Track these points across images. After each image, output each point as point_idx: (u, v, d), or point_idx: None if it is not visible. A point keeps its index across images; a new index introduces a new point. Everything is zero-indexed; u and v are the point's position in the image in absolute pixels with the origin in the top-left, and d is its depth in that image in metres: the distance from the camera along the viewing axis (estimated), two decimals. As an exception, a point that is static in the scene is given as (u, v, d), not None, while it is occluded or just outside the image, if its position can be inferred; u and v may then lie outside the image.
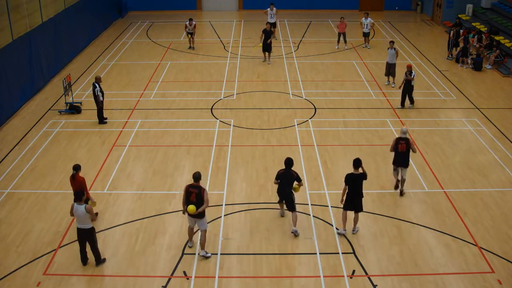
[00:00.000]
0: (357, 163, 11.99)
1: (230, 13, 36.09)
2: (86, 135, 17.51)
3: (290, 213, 12.48)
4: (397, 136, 14.28)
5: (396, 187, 14.01)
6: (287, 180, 12.36)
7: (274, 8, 27.99)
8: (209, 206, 11.91)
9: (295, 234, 12.33)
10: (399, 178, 13.77)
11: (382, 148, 16.42)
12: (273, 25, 27.48)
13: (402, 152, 13.53)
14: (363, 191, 12.18)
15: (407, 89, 19.11)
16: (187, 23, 26.61)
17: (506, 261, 11.49)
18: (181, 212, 11.77)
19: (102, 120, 18.24)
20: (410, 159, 13.82)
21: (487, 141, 16.99)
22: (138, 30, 31.43)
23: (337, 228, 12.48)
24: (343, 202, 12.25)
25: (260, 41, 24.45)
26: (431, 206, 13.48)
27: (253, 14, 35.13)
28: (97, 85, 17.79)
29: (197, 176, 11.49)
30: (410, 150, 13.55)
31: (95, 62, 25.22)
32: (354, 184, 12.00)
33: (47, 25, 22.69)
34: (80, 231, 11.10)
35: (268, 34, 24.02)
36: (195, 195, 11.30)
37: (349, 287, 10.75)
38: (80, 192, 10.98)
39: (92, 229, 11.17)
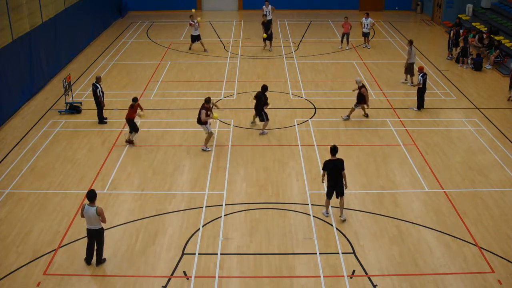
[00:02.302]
0: (334, 149, 12.51)
1: (230, 13, 36.10)
2: (86, 135, 17.51)
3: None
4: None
5: (346, 117, 18.39)
6: (258, 101, 17.25)
7: (270, 6, 28.04)
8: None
9: (262, 134, 17.35)
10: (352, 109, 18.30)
11: (382, 148, 16.43)
12: (269, 22, 27.51)
13: (361, 94, 18.00)
14: (363, 190, 12.22)
15: (417, 91, 19.33)
16: (190, 21, 25.93)
17: (506, 261, 11.50)
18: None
19: (102, 120, 18.25)
20: (410, 160, 13.79)
21: (487, 141, 16.99)
22: (138, 30, 31.43)
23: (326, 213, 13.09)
24: (326, 191, 12.85)
25: (263, 32, 26.28)
26: (431, 206, 13.48)
27: (253, 14, 35.10)
28: (98, 85, 17.81)
29: (208, 100, 16.20)
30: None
31: (95, 62, 25.22)
32: (334, 170, 12.44)
33: (47, 25, 22.70)
34: (89, 231, 11.15)
35: (267, 25, 25.89)
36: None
37: (349, 287, 10.76)
38: (93, 194, 11.02)
39: (101, 229, 11.22)
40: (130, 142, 16.72)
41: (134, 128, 16.75)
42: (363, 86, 18.19)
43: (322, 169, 12.65)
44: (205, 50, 26.53)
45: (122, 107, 19.54)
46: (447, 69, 24.10)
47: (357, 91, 18.26)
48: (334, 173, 12.47)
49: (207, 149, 16.27)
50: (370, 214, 13.14)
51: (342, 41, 27.07)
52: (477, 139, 17.18)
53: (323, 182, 13.06)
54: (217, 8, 36.81)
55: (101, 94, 17.84)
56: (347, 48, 26.89)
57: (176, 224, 12.81)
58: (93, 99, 18.17)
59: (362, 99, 18.20)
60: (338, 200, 12.80)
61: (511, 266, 11.35)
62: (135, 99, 16.69)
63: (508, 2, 28.65)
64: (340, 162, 12.52)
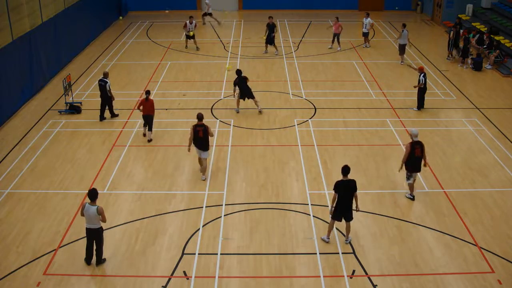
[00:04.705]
0: (346, 170, 11.55)
1: (230, 13, 36.08)
2: (86, 135, 17.52)
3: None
4: (411, 140, 13.43)
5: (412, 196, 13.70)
6: (244, 83, 18.44)
7: (207, 0, 31.48)
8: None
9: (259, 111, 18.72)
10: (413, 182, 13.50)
11: (382, 148, 16.43)
12: (210, 15, 31.45)
13: (418, 156, 13.24)
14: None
15: (418, 91, 19.18)
16: (187, 21, 26.19)
17: (506, 261, 11.50)
18: (187, 148, 14.59)
19: (114, 114, 18.72)
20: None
21: (487, 141, 16.99)
22: (138, 30, 31.43)
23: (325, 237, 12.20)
24: (333, 214, 11.75)
25: (264, 35, 26.19)
26: (431, 206, 13.48)
27: (253, 14, 35.15)
28: (108, 81, 18.13)
29: (200, 116, 14.39)
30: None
31: (95, 62, 25.22)
32: (346, 191, 11.56)
33: (47, 25, 22.69)
34: (88, 231, 11.16)
35: (271, 28, 25.51)
36: (202, 132, 14.19)
37: (349, 287, 10.76)
38: (94, 192, 11.02)
39: (101, 228, 11.23)
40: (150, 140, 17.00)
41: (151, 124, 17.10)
42: (420, 144, 13.36)
43: (334, 191, 11.51)
44: (197, 48, 26.99)
45: (122, 107, 19.53)
46: (447, 69, 24.10)
47: (408, 148, 13.28)
48: (346, 195, 11.52)
49: (203, 178, 14.73)
50: (370, 214, 13.14)
51: (332, 42, 27.00)
52: (477, 139, 17.18)
53: (332, 207, 11.66)
54: (217, 8, 36.77)
55: (110, 88, 18.23)
56: (338, 49, 26.73)
57: (176, 224, 12.81)
58: (100, 95, 18.31)
59: (417, 162, 13.38)
60: (345, 224, 11.97)
61: (511, 266, 11.36)
62: (148, 92, 16.90)
63: (508, 2, 28.65)
64: (353, 183, 11.50)
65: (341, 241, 12.08)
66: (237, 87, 18.72)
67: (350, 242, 12.04)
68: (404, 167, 13.43)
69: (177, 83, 22.36)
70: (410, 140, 13.36)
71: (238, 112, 18.88)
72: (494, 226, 12.70)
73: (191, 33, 26.36)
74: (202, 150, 14.38)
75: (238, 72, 18.70)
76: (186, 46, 27.19)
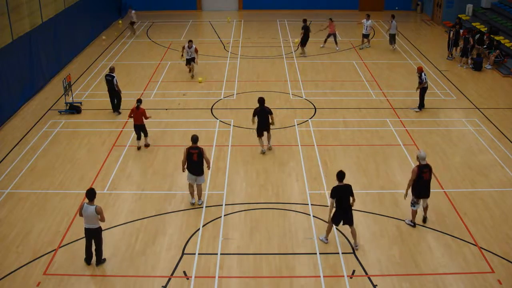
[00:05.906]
0: (342, 175, 11.49)
1: (230, 13, 36.09)
2: (86, 135, 17.51)
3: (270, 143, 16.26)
4: (418, 163, 12.19)
5: (420, 220, 12.73)
6: (264, 115, 15.55)
7: (133, 11, 29.89)
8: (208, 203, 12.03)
9: (268, 148, 16.14)
10: (423, 207, 12.62)
11: (382, 148, 16.43)
12: (132, 24, 30.02)
13: (427, 180, 12.18)
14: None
15: (420, 91, 19.12)
16: (186, 45, 22.24)
17: (506, 261, 11.49)
18: (181, 170, 13.39)
19: (118, 109, 18.90)
20: (410, 160, 13.87)
21: (487, 141, 16.99)
22: (138, 30, 31.42)
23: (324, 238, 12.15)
24: (333, 218, 11.63)
25: (299, 38, 26.19)
26: (431, 206, 13.44)
27: (253, 14, 35.15)
28: (115, 75, 18.37)
29: (195, 139, 13.03)
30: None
31: (95, 62, 25.22)
32: (344, 196, 11.50)
33: (47, 25, 22.70)
34: (87, 231, 11.16)
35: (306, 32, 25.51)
36: (196, 155, 12.90)
37: (349, 287, 10.75)
38: (92, 192, 11.04)
39: (99, 228, 11.22)
40: (147, 145, 16.51)
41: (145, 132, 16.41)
42: (429, 168, 12.19)
43: (331, 197, 11.41)
44: (191, 73, 22.78)
45: (122, 107, 19.49)
46: (447, 69, 24.10)
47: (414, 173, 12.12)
48: (344, 200, 11.47)
49: (199, 202, 13.54)
50: (370, 214, 13.14)
51: (325, 41, 27.16)
52: (477, 139, 17.17)
53: (331, 214, 11.54)
54: (217, 8, 36.81)
55: (117, 82, 18.46)
56: (337, 48, 26.82)
57: (176, 224, 12.80)
58: (108, 90, 18.52)
59: (425, 187, 12.27)
60: (349, 228, 11.84)
61: (511, 266, 11.35)
62: (139, 100, 16.16)
63: (508, 2, 28.66)
64: (349, 187, 11.51)
65: (341, 241, 12.07)
66: (256, 118, 15.81)
67: (349, 241, 12.03)
68: (410, 192, 12.40)
69: (177, 83, 22.36)
70: (417, 163, 12.18)
71: (264, 153, 16.03)
72: (494, 226, 12.69)
73: (182, 58, 22.87)
74: (197, 175, 13.08)
75: (261, 100, 15.72)
76: (192, 75, 22.73)
